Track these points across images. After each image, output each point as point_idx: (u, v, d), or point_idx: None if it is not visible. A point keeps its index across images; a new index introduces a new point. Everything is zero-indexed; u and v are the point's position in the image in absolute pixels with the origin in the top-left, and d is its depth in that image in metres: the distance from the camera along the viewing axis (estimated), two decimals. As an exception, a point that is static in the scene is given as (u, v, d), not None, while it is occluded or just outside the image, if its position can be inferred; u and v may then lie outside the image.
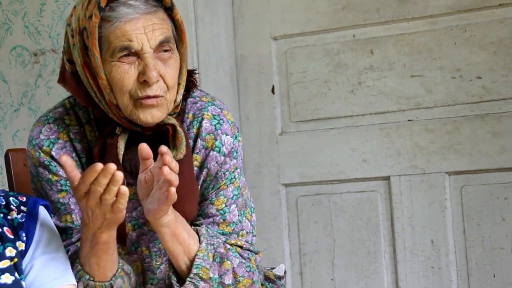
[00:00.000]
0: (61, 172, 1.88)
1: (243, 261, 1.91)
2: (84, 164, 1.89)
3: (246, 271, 1.91)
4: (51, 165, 1.88)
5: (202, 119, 1.92)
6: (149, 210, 1.77)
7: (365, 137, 2.94)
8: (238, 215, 1.94)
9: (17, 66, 3.40)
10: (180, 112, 1.91)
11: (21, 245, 1.61)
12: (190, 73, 1.94)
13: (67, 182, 1.87)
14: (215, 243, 1.87)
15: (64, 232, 1.88)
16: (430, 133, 2.86)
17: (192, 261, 1.83)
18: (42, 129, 1.91)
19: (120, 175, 1.61)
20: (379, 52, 2.92)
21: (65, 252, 1.70)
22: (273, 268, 2.13)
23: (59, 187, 1.89)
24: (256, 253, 1.97)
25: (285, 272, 2.14)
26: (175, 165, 1.69)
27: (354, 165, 2.96)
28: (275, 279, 2.09)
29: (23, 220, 1.63)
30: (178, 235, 1.82)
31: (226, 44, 3.10)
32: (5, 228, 1.60)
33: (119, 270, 1.81)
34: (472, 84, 2.81)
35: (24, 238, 1.61)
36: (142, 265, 1.96)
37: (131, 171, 1.88)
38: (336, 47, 2.98)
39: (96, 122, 1.90)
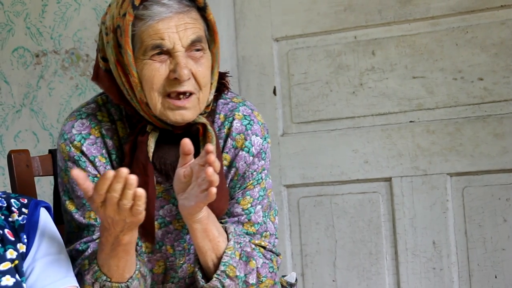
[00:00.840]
0: (90, 168, 1.88)
1: (266, 261, 1.93)
2: (114, 160, 1.90)
3: (269, 271, 1.93)
4: (81, 160, 1.89)
5: (233, 119, 1.93)
6: (184, 206, 1.78)
7: (366, 138, 2.94)
8: (263, 216, 1.95)
9: (19, 67, 3.40)
10: (210, 113, 1.92)
11: (22, 247, 1.60)
12: (222, 75, 1.95)
13: (94, 178, 1.88)
14: (242, 242, 1.88)
15: (86, 228, 1.89)
16: (432, 135, 2.86)
17: (219, 259, 1.84)
18: (74, 124, 1.91)
19: (133, 178, 1.61)
20: (380, 54, 2.92)
21: (66, 254, 1.69)
22: (284, 276, 2.13)
23: None
24: (277, 255, 1.98)
25: (296, 279, 2.15)
26: (218, 165, 1.69)
27: (356, 166, 2.96)
28: (287, 286, 2.10)
29: (24, 222, 1.63)
30: (208, 232, 1.82)
31: (228, 46, 3.10)
32: (6, 230, 1.60)
33: (136, 272, 1.81)
34: (474, 86, 2.81)
35: (25, 240, 1.61)
36: (165, 264, 1.97)
37: (160, 169, 1.89)
38: (338, 49, 2.98)
39: (128, 119, 1.91)
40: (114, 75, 1.85)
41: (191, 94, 1.80)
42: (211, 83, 1.85)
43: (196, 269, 1.87)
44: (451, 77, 2.83)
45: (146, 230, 1.85)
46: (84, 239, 1.88)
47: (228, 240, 1.85)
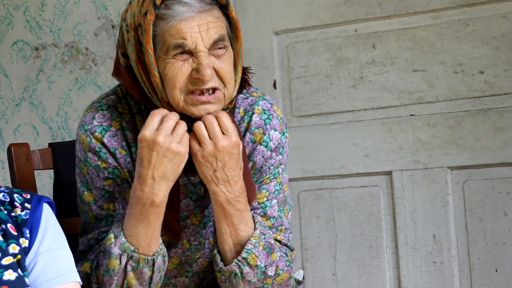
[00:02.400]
0: (110, 160, 1.89)
1: (283, 255, 1.94)
2: (134, 153, 1.90)
3: (286, 265, 1.94)
4: (101, 151, 1.89)
5: (253, 113, 1.93)
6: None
7: (367, 132, 2.94)
8: (278, 211, 1.95)
9: (19, 61, 3.40)
10: (232, 109, 1.92)
11: (24, 242, 1.60)
12: (244, 70, 1.95)
13: (115, 170, 1.89)
14: (266, 233, 1.89)
15: (105, 219, 1.90)
16: (432, 128, 2.85)
17: (236, 245, 1.85)
18: (95, 115, 1.91)
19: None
20: (381, 47, 2.92)
21: (69, 249, 1.69)
22: None
23: (106, 174, 1.89)
24: (292, 250, 1.99)
25: (303, 277, 2.16)
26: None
27: (356, 160, 2.96)
28: (294, 284, 2.10)
29: (27, 217, 1.63)
30: (227, 217, 1.84)
31: (228, 39, 3.10)
32: (8, 225, 1.60)
33: (160, 247, 1.83)
34: (474, 79, 2.80)
35: (28, 235, 1.61)
36: (179, 259, 1.97)
37: None
38: (338, 42, 2.98)
39: (147, 113, 1.90)
40: (135, 72, 1.85)
41: (215, 89, 1.80)
42: (235, 80, 1.84)
43: (215, 252, 1.87)
44: (452, 70, 2.83)
45: (169, 225, 1.86)
46: (103, 229, 1.89)
47: (255, 228, 1.86)
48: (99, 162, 1.89)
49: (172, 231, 1.88)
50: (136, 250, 1.79)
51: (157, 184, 1.75)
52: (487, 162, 2.80)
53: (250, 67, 1.98)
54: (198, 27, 1.75)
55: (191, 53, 1.77)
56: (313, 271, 3.03)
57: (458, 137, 2.82)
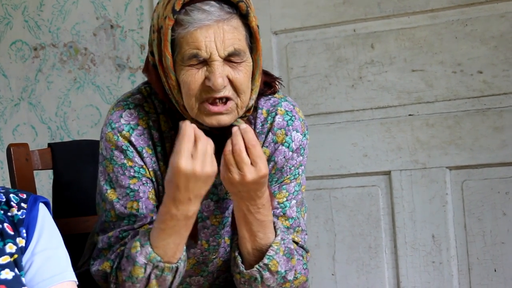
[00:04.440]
0: (137, 159, 1.89)
1: (300, 258, 1.94)
2: (159, 153, 1.90)
3: (303, 268, 1.94)
4: (129, 150, 1.88)
5: (276, 114, 1.94)
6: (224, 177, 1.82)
7: (365, 132, 2.94)
8: (296, 211, 1.96)
9: (17, 61, 3.40)
10: (252, 114, 1.92)
11: (21, 242, 1.60)
12: (274, 79, 1.95)
13: (140, 169, 1.89)
14: (285, 238, 1.89)
15: (127, 218, 1.89)
16: (431, 128, 2.85)
17: (255, 250, 1.85)
18: (122, 114, 1.91)
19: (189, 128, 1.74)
20: (379, 47, 2.92)
21: (65, 249, 1.69)
22: None
23: (132, 173, 1.89)
24: (307, 252, 1.99)
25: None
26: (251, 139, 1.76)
27: (355, 159, 2.96)
28: None
29: (23, 216, 1.63)
30: (247, 223, 1.83)
31: (227, 39, 3.10)
32: (5, 225, 1.60)
33: (184, 253, 1.84)
34: (473, 79, 2.80)
35: (24, 235, 1.61)
36: (195, 259, 1.98)
37: None
38: (337, 42, 2.98)
39: (170, 113, 1.91)
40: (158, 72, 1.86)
41: (228, 99, 1.79)
42: (252, 89, 1.83)
43: (236, 254, 1.88)
44: (451, 70, 2.83)
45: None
46: (125, 227, 1.88)
47: (276, 235, 1.86)
48: (125, 161, 1.89)
49: (190, 235, 1.89)
50: (162, 260, 1.79)
51: (193, 203, 1.76)
52: (486, 162, 2.80)
53: (280, 78, 1.99)
54: (214, 36, 1.74)
55: (206, 62, 1.77)
56: (312, 271, 3.03)
57: (457, 137, 2.82)
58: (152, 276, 1.79)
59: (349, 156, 2.97)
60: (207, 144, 1.74)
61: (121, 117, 1.90)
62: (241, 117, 1.85)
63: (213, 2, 1.75)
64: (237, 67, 1.78)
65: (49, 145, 2.33)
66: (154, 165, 1.90)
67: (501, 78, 2.77)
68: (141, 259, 1.78)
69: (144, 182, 1.89)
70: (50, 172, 3.06)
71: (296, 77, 3.04)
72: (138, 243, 1.80)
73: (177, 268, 1.81)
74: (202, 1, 1.75)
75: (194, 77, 1.77)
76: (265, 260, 1.84)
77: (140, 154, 1.89)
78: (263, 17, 3.07)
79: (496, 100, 2.78)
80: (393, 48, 2.90)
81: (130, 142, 1.89)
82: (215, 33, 1.75)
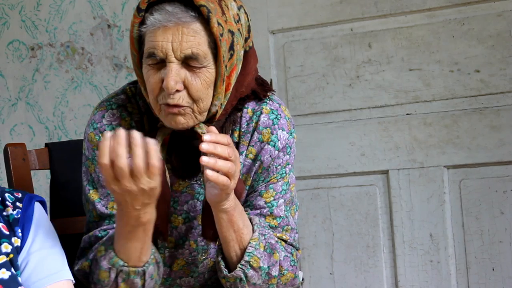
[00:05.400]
0: None
1: (288, 255, 1.93)
2: None
3: (290, 265, 1.93)
4: None
5: (261, 113, 1.93)
6: (211, 194, 1.78)
7: (363, 131, 2.94)
8: (285, 210, 1.95)
9: (14, 61, 3.40)
10: (232, 113, 1.91)
11: (16, 241, 1.60)
12: (266, 91, 1.93)
13: None
14: (266, 233, 1.88)
15: (108, 218, 1.89)
16: (429, 127, 2.85)
17: (242, 250, 1.84)
18: (105, 114, 1.91)
19: (136, 133, 1.61)
20: (377, 46, 2.92)
21: (61, 248, 1.69)
22: None
23: None
24: (297, 249, 1.98)
25: (303, 279, 2.15)
26: (222, 151, 1.69)
27: (353, 159, 2.96)
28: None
29: (19, 216, 1.63)
30: (233, 223, 1.82)
31: (224, 38, 3.10)
32: (0, 224, 1.60)
33: (152, 256, 1.81)
34: (470, 78, 2.80)
35: (20, 234, 1.61)
36: (185, 260, 1.97)
37: (182, 164, 1.89)
38: (334, 41, 2.98)
39: (148, 114, 1.91)
40: None
41: (181, 107, 1.77)
42: (214, 95, 1.81)
43: (219, 259, 1.87)
44: (448, 69, 2.83)
45: (158, 229, 1.84)
46: (105, 227, 1.88)
47: (253, 231, 1.86)
48: None
49: (157, 233, 1.85)
50: (126, 264, 1.77)
51: (143, 212, 1.70)
52: (483, 161, 2.80)
53: (274, 91, 1.97)
54: (172, 38, 1.72)
55: (164, 63, 1.76)
56: (310, 270, 3.03)
57: (455, 136, 2.82)
58: (119, 279, 1.78)
59: (347, 155, 2.96)
60: (124, 162, 1.63)
61: (103, 117, 1.90)
62: (210, 123, 1.82)
63: (177, 4, 1.73)
64: (195, 72, 1.75)
65: (46, 145, 2.33)
66: None
67: (498, 77, 2.77)
68: (104, 264, 1.77)
69: None
70: (48, 172, 3.05)
71: (294, 76, 3.03)
72: (103, 248, 1.80)
73: (144, 271, 1.79)
74: (167, 2, 1.74)
75: (153, 77, 1.77)
76: (246, 258, 1.83)
77: None
78: (260, 16, 3.07)
79: (493, 99, 2.78)
80: (390, 47, 2.90)
81: None
82: (174, 35, 1.73)
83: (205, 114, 1.82)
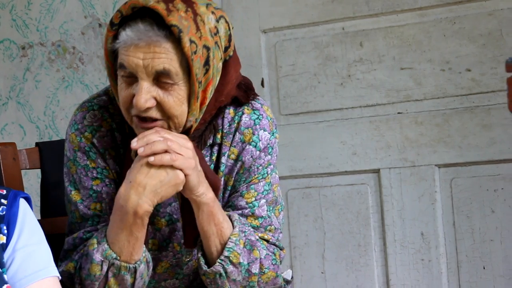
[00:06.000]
0: (100, 160, 1.88)
1: (269, 254, 1.93)
2: (122, 155, 1.89)
3: (272, 263, 1.93)
4: (91, 151, 1.88)
5: (243, 113, 1.92)
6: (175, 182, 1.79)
7: (354, 130, 2.94)
8: (267, 210, 1.94)
9: (5, 60, 3.39)
10: (212, 120, 1.90)
11: (2, 238, 1.59)
12: (248, 98, 1.93)
13: (103, 170, 1.88)
14: (246, 230, 1.88)
15: (91, 219, 1.89)
16: (420, 126, 2.86)
17: (223, 245, 1.84)
18: (86, 115, 1.90)
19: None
20: (368, 45, 2.92)
21: (47, 244, 1.68)
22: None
23: (94, 174, 1.89)
24: (281, 249, 1.98)
25: (292, 277, 2.15)
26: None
27: (344, 158, 2.96)
28: (283, 283, 2.09)
29: (4, 213, 1.62)
30: (214, 216, 1.82)
31: (215, 37, 3.09)
32: (-15, 222, 1.60)
33: (144, 255, 1.82)
34: (462, 77, 2.81)
35: (5, 231, 1.60)
36: (169, 263, 1.97)
37: None
38: (326, 40, 2.98)
39: None
40: None
41: (155, 119, 1.78)
42: (189, 112, 1.79)
43: (199, 255, 1.86)
44: (439, 68, 2.83)
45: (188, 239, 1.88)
46: (89, 228, 1.88)
47: (233, 227, 1.85)
48: (88, 162, 1.89)
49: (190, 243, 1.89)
50: (118, 258, 1.77)
51: (145, 195, 1.73)
52: (474, 160, 2.80)
53: (253, 90, 1.95)
54: (143, 55, 1.72)
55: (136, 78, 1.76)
56: (301, 269, 3.03)
57: (446, 135, 2.83)
58: (110, 274, 1.78)
59: (338, 154, 2.97)
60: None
61: (85, 118, 1.90)
62: (186, 135, 1.82)
63: (150, 21, 1.71)
64: (168, 89, 1.74)
65: (37, 144, 2.32)
66: (117, 167, 1.89)
67: (489, 76, 2.77)
68: (97, 256, 1.78)
69: (108, 183, 1.89)
70: (39, 171, 3.05)
71: (285, 76, 3.03)
72: (95, 240, 1.80)
73: (135, 269, 1.79)
74: (140, 18, 1.72)
75: (124, 91, 1.77)
76: (226, 253, 1.83)
77: (103, 156, 1.88)
78: (252, 15, 3.07)
79: (484, 98, 2.79)
80: (381, 46, 2.90)
81: (93, 143, 1.88)
82: (145, 53, 1.72)
83: (181, 129, 1.81)
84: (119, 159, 1.89)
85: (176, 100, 1.75)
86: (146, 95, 1.73)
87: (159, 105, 1.75)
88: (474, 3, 2.79)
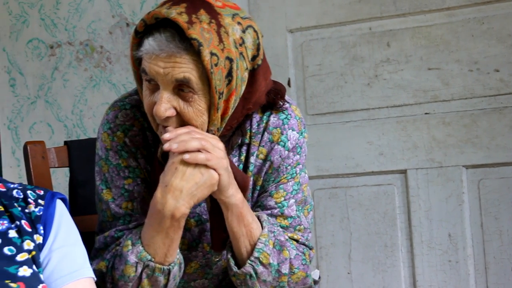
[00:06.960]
0: (131, 159, 1.89)
1: (299, 254, 1.92)
2: (154, 154, 1.89)
3: (302, 263, 1.92)
4: (123, 151, 1.89)
5: (271, 113, 1.92)
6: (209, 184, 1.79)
7: (381, 130, 2.93)
8: (296, 210, 1.94)
9: (34, 59, 3.41)
10: (240, 126, 1.90)
11: (38, 238, 1.60)
12: (276, 101, 1.92)
13: (135, 169, 1.89)
14: (275, 230, 1.88)
15: (122, 217, 1.89)
16: (447, 126, 2.84)
17: (252, 246, 1.84)
18: (118, 114, 1.91)
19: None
20: (395, 45, 2.91)
21: (83, 245, 1.69)
22: None
23: (126, 174, 1.89)
24: (310, 249, 1.97)
25: (319, 277, 2.14)
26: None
27: (371, 158, 2.95)
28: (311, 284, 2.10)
29: (41, 213, 1.63)
30: (243, 217, 1.82)
31: (242, 37, 3.10)
32: (23, 222, 1.60)
33: (177, 257, 1.82)
34: (490, 77, 2.79)
35: (42, 231, 1.61)
36: (198, 263, 1.97)
37: None
38: (352, 40, 2.97)
39: None
40: None
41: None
42: (210, 122, 1.79)
43: (229, 256, 1.86)
44: (467, 69, 2.82)
45: (216, 242, 1.88)
46: (120, 227, 1.88)
47: (262, 227, 1.85)
48: (120, 161, 1.89)
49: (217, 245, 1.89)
50: (153, 259, 1.78)
51: (182, 198, 1.74)
52: (502, 161, 2.79)
53: (280, 92, 1.94)
54: (164, 65, 1.72)
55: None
56: (327, 269, 3.03)
57: (473, 136, 2.81)
58: (144, 275, 1.79)
59: (365, 154, 2.96)
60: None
61: (117, 117, 1.90)
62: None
63: (172, 32, 1.71)
64: (188, 100, 1.74)
65: (65, 143, 2.34)
66: (148, 166, 1.89)
67: (518, 76, 2.76)
68: (132, 258, 1.78)
69: (139, 182, 1.89)
70: (67, 170, 3.06)
71: (312, 75, 3.03)
72: (129, 242, 1.80)
73: (169, 271, 1.80)
74: (162, 30, 1.72)
75: (147, 98, 1.77)
76: (255, 254, 1.82)
77: (134, 155, 1.89)
78: (279, 15, 3.07)
79: (513, 98, 2.77)
80: (409, 46, 2.89)
81: (125, 142, 1.89)
82: (165, 62, 1.72)
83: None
84: (151, 158, 1.90)
85: (196, 111, 1.76)
86: (166, 104, 1.73)
87: (179, 116, 1.76)
88: (503, 3, 2.77)
